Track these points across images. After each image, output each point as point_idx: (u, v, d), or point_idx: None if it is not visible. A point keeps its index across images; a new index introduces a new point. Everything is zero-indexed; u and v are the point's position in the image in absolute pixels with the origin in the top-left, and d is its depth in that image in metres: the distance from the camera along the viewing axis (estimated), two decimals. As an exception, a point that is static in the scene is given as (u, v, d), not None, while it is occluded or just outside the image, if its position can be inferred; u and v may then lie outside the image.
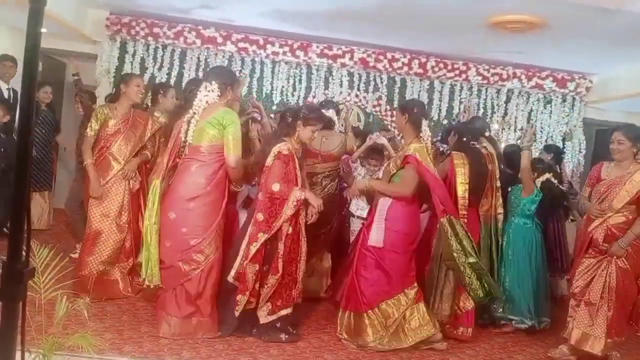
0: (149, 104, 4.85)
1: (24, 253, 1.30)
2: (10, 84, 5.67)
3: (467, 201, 4.11)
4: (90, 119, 4.37)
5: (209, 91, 3.65)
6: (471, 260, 3.66)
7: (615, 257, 3.80)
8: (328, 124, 4.72)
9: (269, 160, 3.73)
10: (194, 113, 3.64)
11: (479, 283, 3.68)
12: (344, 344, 3.87)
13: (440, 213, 3.74)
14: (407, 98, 7.31)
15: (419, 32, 6.10)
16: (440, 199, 3.76)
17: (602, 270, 3.84)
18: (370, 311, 3.85)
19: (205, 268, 3.62)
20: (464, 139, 4.44)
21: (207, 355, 3.40)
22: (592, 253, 3.92)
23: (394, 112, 4.19)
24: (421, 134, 3.92)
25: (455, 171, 4.13)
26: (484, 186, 4.45)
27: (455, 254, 3.66)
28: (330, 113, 4.86)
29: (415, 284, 3.93)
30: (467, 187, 4.11)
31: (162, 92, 4.91)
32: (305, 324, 4.18)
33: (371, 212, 4.09)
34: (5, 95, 5.53)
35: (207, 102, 3.65)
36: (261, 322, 3.74)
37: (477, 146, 4.51)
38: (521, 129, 7.37)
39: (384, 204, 3.89)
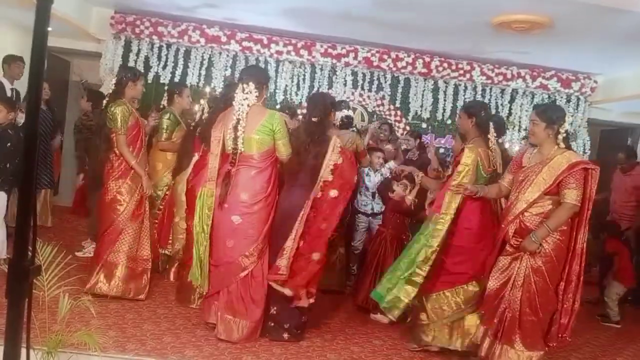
0: (165, 104, 4.87)
1: (29, 251, 1.31)
2: (14, 84, 5.69)
3: None
4: (115, 120, 4.24)
5: (247, 93, 3.64)
6: None
7: (527, 253, 3.38)
8: (346, 124, 4.89)
9: (336, 158, 3.75)
10: (239, 119, 3.62)
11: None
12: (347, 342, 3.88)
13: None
14: (410, 98, 7.31)
15: (424, 31, 6.09)
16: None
17: (517, 270, 3.43)
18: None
19: (256, 266, 3.71)
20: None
21: (209, 354, 3.40)
22: (508, 250, 3.49)
23: (460, 114, 4.10)
24: (489, 136, 3.89)
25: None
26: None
27: None
28: (344, 113, 4.93)
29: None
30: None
31: (177, 92, 4.93)
32: (309, 323, 4.17)
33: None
34: (9, 94, 5.56)
35: (247, 105, 3.64)
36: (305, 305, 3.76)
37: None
38: (525, 129, 7.36)
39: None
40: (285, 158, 3.76)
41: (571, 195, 3.32)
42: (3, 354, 1.33)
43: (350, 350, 3.78)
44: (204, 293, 3.83)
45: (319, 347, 3.76)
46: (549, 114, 3.46)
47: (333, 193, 3.71)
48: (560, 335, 3.46)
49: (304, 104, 7.05)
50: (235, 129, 3.62)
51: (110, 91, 4.34)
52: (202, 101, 4.77)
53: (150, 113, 5.18)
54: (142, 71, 6.81)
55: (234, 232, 3.68)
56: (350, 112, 5.08)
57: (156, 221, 4.83)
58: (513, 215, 3.45)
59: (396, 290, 3.67)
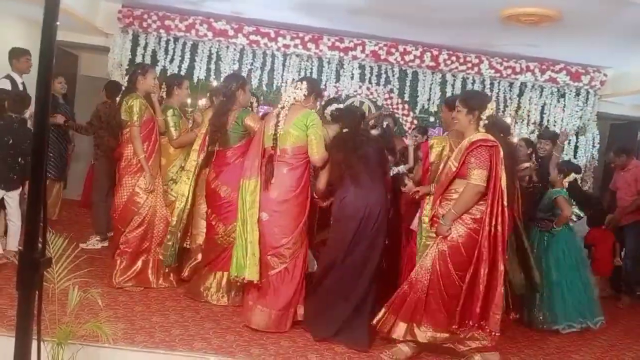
0: (164, 96, 4.84)
1: (40, 243, 1.32)
2: (22, 78, 5.69)
3: None
4: (132, 113, 4.29)
5: (297, 89, 3.84)
6: None
7: (441, 237, 3.39)
8: (336, 117, 4.81)
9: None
10: (282, 107, 3.81)
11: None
12: None
13: None
14: (418, 91, 7.29)
15: (432, 24, 6.06)
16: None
17: (428, 253, 3.47)
18: None
19: (289, 264, 3.78)
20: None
21: (218, 346, 3.42)
22: (430, 237, 3.55)
23: (459, 104, 4.10)
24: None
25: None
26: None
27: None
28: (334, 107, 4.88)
29: None
30: None
31: (177, 84, 4.84)
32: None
33: None
34: (20, 88, 5.57)
35: (294, 98, 3.82)
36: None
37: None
38: (534, 123, 7.32)
39: None
40: (317, 159, 3.79)
41: (473, 175, 3.30)
42: (14, 346, 1.34)
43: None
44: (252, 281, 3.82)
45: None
46: (470, 101, 3.51)
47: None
48: (468, 322, 3.37)
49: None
50: (277, 122, 3.75)
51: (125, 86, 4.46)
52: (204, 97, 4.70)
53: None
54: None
55: (262, 229, 3.81)
56: (341, 106, 5.01)
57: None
58: (431, 201, 3.52)
59: None
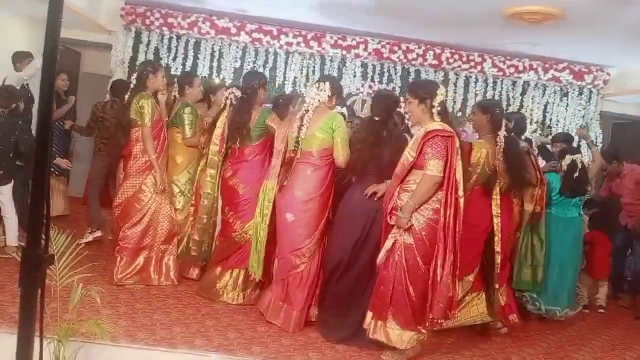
0: (177, 95, 4.84)
1: (43, 240, 1.31)
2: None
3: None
4: (143, 113, 4.28)
5: (321, 90, 3.82)
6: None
7: (402, 230, 3.35)
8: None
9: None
10: (307, 111, 3.79)
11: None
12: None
13: None
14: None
15: (435, 23, 6.05)
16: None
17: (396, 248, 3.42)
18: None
19: (309, 264, 3.83)
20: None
21: (219, 344, 3.42)
22: (392, 231, 3.47)
23: (477, 108, 4.14)
24: (499, 133, 3.94)
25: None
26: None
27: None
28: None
29: (474, 273, 3.95)
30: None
31: (188, 82, 4.80)
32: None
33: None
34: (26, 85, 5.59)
35: (319, 100, 3.80)
36: None
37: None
38: (537, 122, 7.31)
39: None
40: (342, 161, 3.78)
41: (429, 166, 3.26)
42: (17, 343, 1.34)
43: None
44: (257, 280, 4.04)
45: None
46: (419, 90, 3.48)
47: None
48: (431, 318, 3.32)
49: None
50: (301, 124, 3.76)
51: (133, 85, 4.43)
52: (226, 93, 4.58)
53: None
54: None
55: (286, 229, 3.85)
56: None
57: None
58: (390, 193, 3.47)
59: None
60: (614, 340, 4.53)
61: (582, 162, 4.72)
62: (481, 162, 3.83)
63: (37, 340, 1.40)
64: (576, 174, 4.62)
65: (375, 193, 3.69)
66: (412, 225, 3.32)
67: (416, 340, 3.45)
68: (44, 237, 1.32)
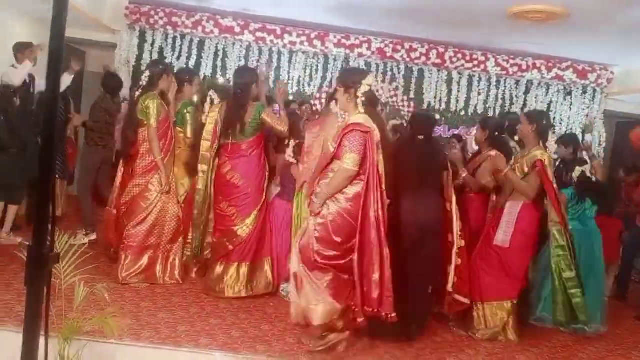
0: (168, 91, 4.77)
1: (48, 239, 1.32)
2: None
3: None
4: (148, 113, 4.27)
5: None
6: (568, 274, 3.90)
7: (313, 214, 3.37)
8: None
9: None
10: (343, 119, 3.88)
11: (563, 302, 3.96)
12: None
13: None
14: (424, 89, 7.27)
15: (438, 22, 6.04)
16: (556, 209, 3.91)
17: None
18: (479, 303, 4.03)
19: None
20: (495, 133, 4.43)
21: (223, 343, 3.43)
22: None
23: (523, 118, 4.15)
24: (547, 144, 4.03)
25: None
26: None
27: (553, 265, 3.95)
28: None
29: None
30: None
31: (188, 80, 4.74)
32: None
33: (495, 213, 4.16)
34: (28, 80, 5.55)
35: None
36: None
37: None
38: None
39: (513, 206, 3.97)
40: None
41: (345, 159, 3.26)
42: (22, 341, 1.35)
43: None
44: None
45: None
46: (345, 77, 3.48)
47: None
48: (370, 308, 3.31)
49: (316, 95, 7.07)
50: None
51: (144, 84, 4.38)
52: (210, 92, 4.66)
53: None
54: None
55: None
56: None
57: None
58: (313, 179, 3.52)
59: None
60: (618, 339, 4.50)
61: (591, 173, 4.73)
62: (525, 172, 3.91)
63: (42, 339, 1.41)
64: (588, 183, 4.63)
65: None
66: (321, 212, 3.34)
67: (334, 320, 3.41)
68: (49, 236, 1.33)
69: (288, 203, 4.44)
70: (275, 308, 4.19)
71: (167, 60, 6.93)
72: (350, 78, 3.45)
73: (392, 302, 3.31)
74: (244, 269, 4.30)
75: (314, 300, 3.33)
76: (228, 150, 4.30)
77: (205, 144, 4.33)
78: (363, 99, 3.36)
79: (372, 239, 3.28)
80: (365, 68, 7.19)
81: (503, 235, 3.95)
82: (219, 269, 4.32)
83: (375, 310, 3.32)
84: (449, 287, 3.89)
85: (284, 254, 4.40)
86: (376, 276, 3.29)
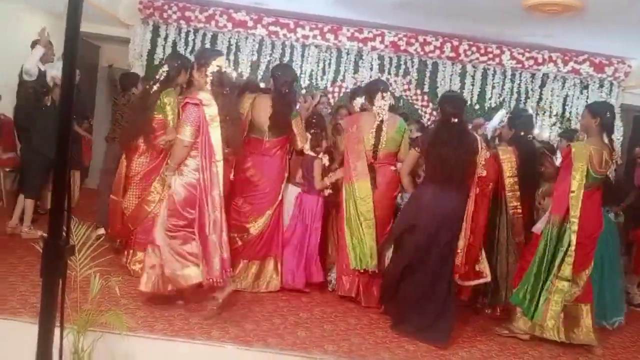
0: (184, 86, 4.76)
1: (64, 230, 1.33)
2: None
3: (517, 193, 4.28)
4: (165, 110, 4.25)
5: (386, 100, 4.29)
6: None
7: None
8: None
9: (485, 154, 3.95)
10: (382, 120, 4.25)
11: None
12: None
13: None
14: (438, 82, 7.21)
15: (452, 15, 5.99)
16: (555, 200, 3.91)
17: None
18: None
19: None
20: (521, 132, 4.50)
21: (235, 335, 3.45)
22: None
23: (586, 111, 4.10)
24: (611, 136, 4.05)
25: (503, 167, 4.27)
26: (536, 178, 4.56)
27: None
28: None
29: (589, 271, 3.96)
30: (515, 180, 4.28)
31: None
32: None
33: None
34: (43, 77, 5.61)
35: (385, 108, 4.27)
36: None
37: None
38: (556, 115, 7.22)
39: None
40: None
41: (181, 131, 3.52)
42: (38, 332, 1.37)
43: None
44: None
45: (343, 331, 3.78)
46: (198, 55, 3.79)
47: (491, 186, 4.06)
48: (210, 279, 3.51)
49: (329, 89, 7.05)
50: (380, 129, 4.21)
51: (162, 79, 4.28)
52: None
53: None
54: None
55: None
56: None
57: None
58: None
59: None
60: (625, 341, 4.36)
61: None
62: (581, 165, 3.81)
63: (57, 330, 1.42)
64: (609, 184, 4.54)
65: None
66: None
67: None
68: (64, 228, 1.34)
69: (317, 196, 4.48)
70: (288, 301, 4.21)
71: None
72: (202, 56, 3.68)
73: (217, 263, 3.49)
74: (253, 269, 4.33)
75: (178, 267, 3.56)
76: (250, 146, 4.31)
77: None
78: (211, 78, 3.57)
79: (204, 204, 3.52)
80: (379, 62, 7.16)
81: (540, 224, 4.06)
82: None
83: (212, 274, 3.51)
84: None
85: (316, 249, 4.44)
86: (213, 239, 3.50)
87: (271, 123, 4.27)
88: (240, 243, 4.32)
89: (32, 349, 1.37)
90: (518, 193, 4.30)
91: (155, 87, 4.28)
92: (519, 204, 4.31)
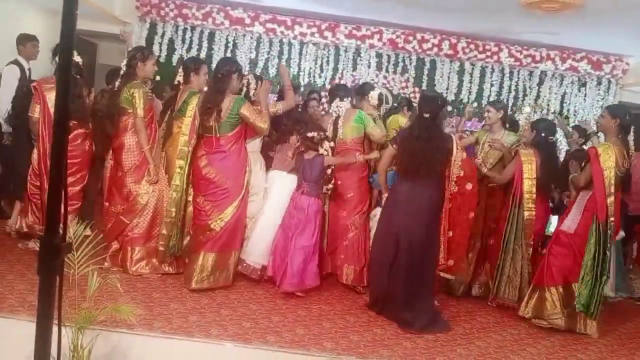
0: (180, 81, 4.73)
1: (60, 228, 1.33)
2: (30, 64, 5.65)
3: (533, 195, 4.41)
4: (134, 102, 4.19)
5: (345, 102, 4.82)
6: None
7: None
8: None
9: (461, 154, 4.06)
10: (338, 117, 4.77)
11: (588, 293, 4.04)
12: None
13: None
14: (436, 80, 7.21)
15: (450, 12, 5.98)
16: (598, 202, 4.02)
17: None
18: (553, 287, 4.20)
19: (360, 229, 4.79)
20: (542, 135, 4.58)
21: (234, 333, 3.45)
22: None
23: (606, 112, 4.27)
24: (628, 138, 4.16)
25: (522, 167, 4.40)
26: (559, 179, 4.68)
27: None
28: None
29: None
30: (534, 182, 4.39)
31: (194, 68, 4.57)
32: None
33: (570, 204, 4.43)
34: (27, 74, 5.55)
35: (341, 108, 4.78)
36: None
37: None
38: (554, 113, 7.22)
39: (584, 195, 4.20)
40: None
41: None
42: (36, 330, 1.36)
43: (372, 332, 3.78)
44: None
45: (341, 329, 3.79)
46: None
47: (469, 186, 4.10)
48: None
49: (327, 86, 7.04)
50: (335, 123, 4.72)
51: (123, 72, 4.27)
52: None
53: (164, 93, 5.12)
54: (167, 54, 6.91)
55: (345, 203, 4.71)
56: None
57: None
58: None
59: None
60: (621, 340, 4.33)
61: None
62: (611, 165, 3.97)
63: (55, 328, 1.42)
64: None
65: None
66: None
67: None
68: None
69: (315, 199, 4.43)
70: (286, 299, 4.21)
71: (178, 52, 6.94)
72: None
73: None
74: (210, 260, 4.17)
75: None
76: (207, 144, 4.23)
77: (182, 138, 4.25)
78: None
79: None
80: (377, 60, 7.16)
81: (570, 222, 4.21)
82: (191, 259, 4.27)
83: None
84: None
85: (315, 254, 4.39)
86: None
87: (200, 119, 4.21)
88: (203, 240, 4.22)
89: (30, 347, 1.37)
90: (535, 195, 4.42)
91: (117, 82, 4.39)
92: (534, 205, 4.41)
